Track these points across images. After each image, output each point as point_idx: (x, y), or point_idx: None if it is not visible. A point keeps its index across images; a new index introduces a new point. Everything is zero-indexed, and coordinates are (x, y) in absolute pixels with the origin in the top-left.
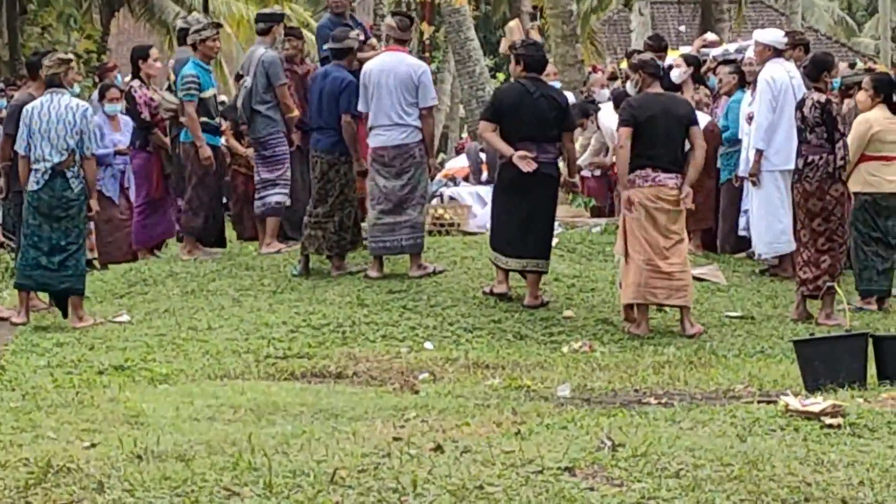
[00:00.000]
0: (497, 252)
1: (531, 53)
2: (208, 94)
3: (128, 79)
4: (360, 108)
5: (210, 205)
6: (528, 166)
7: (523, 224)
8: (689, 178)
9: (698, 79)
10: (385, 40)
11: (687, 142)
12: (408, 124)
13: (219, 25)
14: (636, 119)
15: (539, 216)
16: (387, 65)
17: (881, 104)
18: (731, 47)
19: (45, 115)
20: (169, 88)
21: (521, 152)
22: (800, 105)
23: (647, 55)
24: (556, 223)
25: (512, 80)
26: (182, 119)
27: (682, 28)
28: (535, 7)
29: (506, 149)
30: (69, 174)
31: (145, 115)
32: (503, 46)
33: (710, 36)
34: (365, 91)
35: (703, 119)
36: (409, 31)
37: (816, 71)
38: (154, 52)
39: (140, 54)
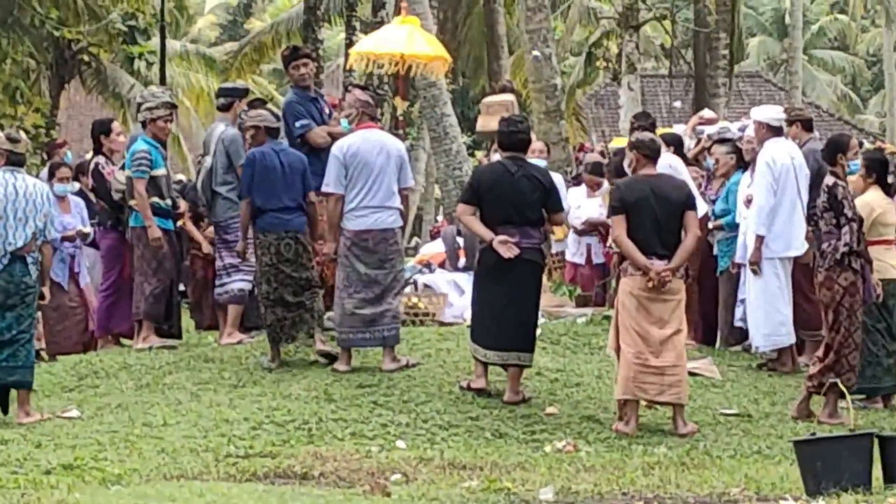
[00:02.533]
0: (476, 344)
1: (511, 130)
2: (159, 172)
3: (88, 156)
4: (333, 188)
5: (168, 291)
6: (509, 252)
7: (505, 314)
8: (674, 260)
9: (686, 158)
10: (359, 117)
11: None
12: (394, 207)
13: (174, 106)
14: (625, 203)
15: (522, 305)
16: (373, 143)
17: (874, 185)
18: (734, 126)
19: (12, 194)
20: (123, 167)
21: (502, 237)
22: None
23: (647, 135)
24: (540, 313)
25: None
26: (131, 201)
27: (677, 104)
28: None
29: (486, 233)
30: (29, 259)
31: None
32: (480, 124)
33: (707, 113)
34: (343, 170)
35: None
36: (375, 107)
37: (831, 153)
38: (116, 125)
39: (102, 129)
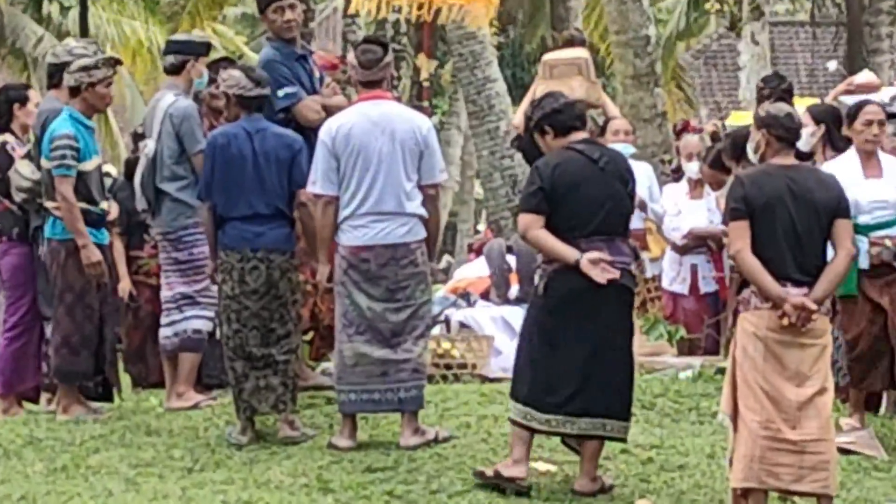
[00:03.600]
0: (530, 407)
1: (558, 109)
2: (90, 165)
3: None
4: (320, 187)
5: (93, 337)
6: (604, 275)
7: (589, 363)
8: (817, 290)
9: (835, 142)
10: (354, 85)
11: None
12: (409, 213)
13: (118, 63)
14: (750, 205)
15: (613, 351)
16: (374, 121)
17: None
18: (878, 96)
19: None
20: (27, 156)
21: (594, 254)
22: None
23: (784, 108)
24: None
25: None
26: (48, 203)
27: (832, 65)
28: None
29: (570, 253)
30: None
31: None
32: (540, 90)
33: (862, 77)
34: (334, 162)
35: None
36: (380, 68)
37: None
38: (34, 94)
39: (16, 97)
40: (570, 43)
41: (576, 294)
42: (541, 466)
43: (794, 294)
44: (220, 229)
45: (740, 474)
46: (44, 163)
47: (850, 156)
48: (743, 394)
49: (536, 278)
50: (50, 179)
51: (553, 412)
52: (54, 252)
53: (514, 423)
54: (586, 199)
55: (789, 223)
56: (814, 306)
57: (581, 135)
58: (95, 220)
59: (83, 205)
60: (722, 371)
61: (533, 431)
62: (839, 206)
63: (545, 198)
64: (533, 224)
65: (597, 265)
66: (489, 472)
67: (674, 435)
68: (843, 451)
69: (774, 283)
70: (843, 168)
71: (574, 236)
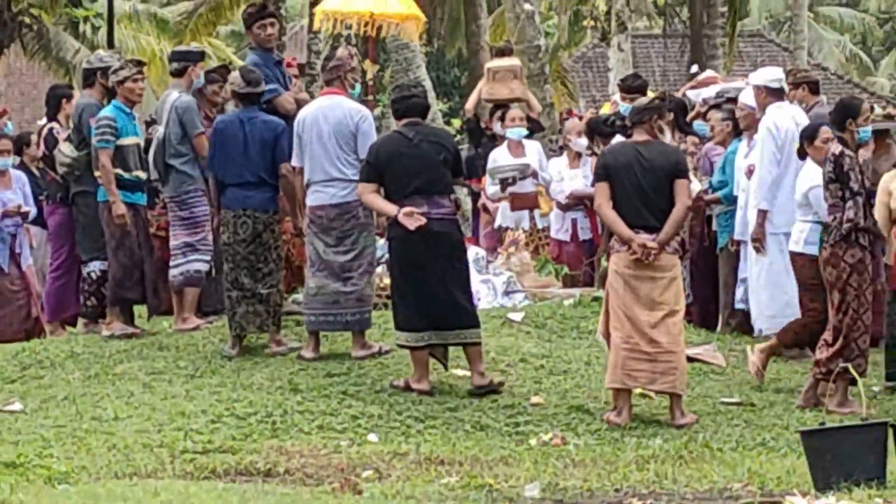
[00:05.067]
0: (406, 332)
1: (405, 96)
2: (128, 141)
3: (41, 122)
4: (295, 161)
5: (133, 272)
6: (415, 222)
7: (436, 290)
8: (663, 232)
9: (682, 126)
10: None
11: None
12: (348, 179)
13: (142, 63)
14: (608, 170)
15: (448, 280)
16: (321, 111)
17: None
18: (711, 90)
19: None
20: (68, 139)
21: (407, 209)
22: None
23: (642, 101)
24: (523, 294)
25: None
26: (97, 173)
27: (694, 68)
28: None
29: (389, 208)
30: None
31: None
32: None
33: (703, 76)
34: (299, 141)
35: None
36: (336, 70)
37: (840, 118)
38: (76, 93)
39: (64, 93)
40: (503, 53)
41: (407, 239)
42: (458, 372)
43: (644, 237)
44: (221, 193)
45: (609, 378)
46: (92, 140)
47: (811, 164)
48: (611, 317)
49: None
50: (95, 153)
51: (423, 331)
52: (102, 211)
53: (400, 346)
54: (402, 168)
55: (637, 183)
56: (656, 246)
57: (408, 119)
58: (130, 185)
59: (118, 171)
60: (597, 299)
61: (414, 349)
62: (676, 169)
63: (373, 170)
64: (365, 190)
65: (409, 216)
66: (401, 383)
67: (559, 348)
68: (692, 361)
69: (626, 228)
70: (811, 172)
71: (397, 197)
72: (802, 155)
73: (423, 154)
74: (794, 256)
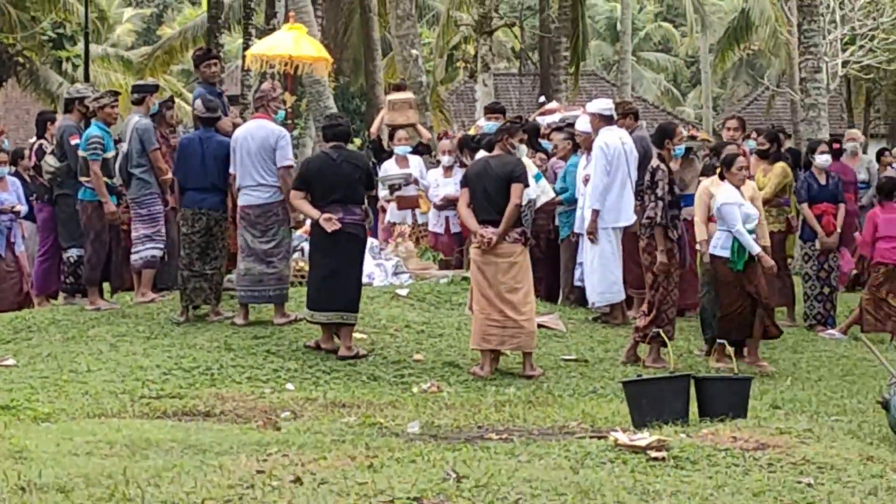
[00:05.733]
0: (310, 309)
1: (333, 124)
2: (108, 155)
3: (32, 140)
4: (231, 169)
5: (106, 256)
6: (331, 226)
7: (332, 280)
8: (500, 228)
9: (534, 144)
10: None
11: None
12: (269, 185)
13: (117, 94)
14: (466, 178)
15: (346, 272)
16: (250, 131)
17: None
18: (556, 117)
19: None
20: (52, 153)
21: (326, 214)
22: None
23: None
24: (408, 275)
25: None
26: (82, 178)
27: (542, 98)
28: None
29: (313, 212)
30: None
31: None
32: (387, 118)
33: (549, 105)
34: (234, 154)
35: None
36: (264, 100)
37: (660, 139)
38: (58, 116)
39: (50, 117)
40: (399, 88)
41: (323, 237)
42: (357, 335)
43: (487, 231)
44: (182, 195)
45: (473, 341)
46: (81, 153)
47: (729, 187)
48: (473, 293)
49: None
50: (85, 163)
51: (319, 310)
52: (84, 208)
53: (307, 321)
54: (326, 181)
55: (484, 188)
56: (494, 237)
57: (334, 143)
58: (108, 189)
59: (105, 179)
60: (465, 279)
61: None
62: (512, 176)
63: (303, 181)
64: (296, 196)
65: (328, 221)
66: (312, 343)
67: (436, 316)
68: (540, 326)
69: (475, 223)
70: (728, 193)
71: (320, 203)
72: (721, 177)
73: (343, 172)
74: (712, 258)
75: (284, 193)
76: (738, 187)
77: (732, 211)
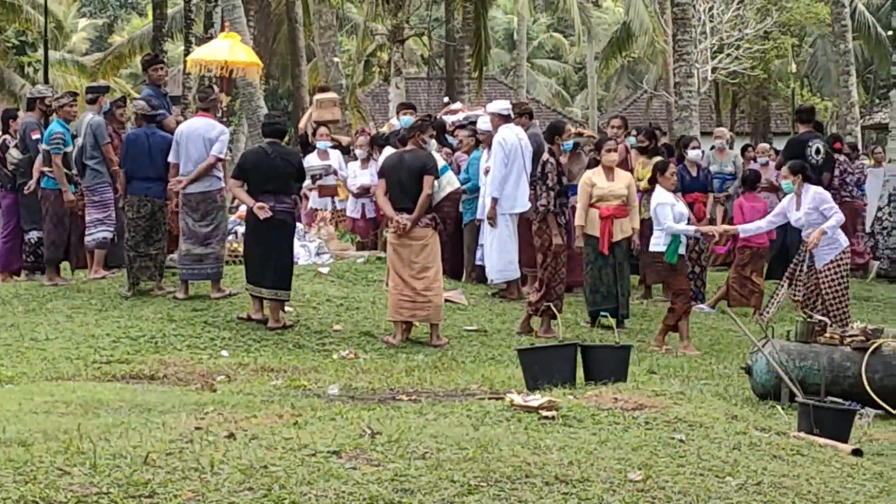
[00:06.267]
0: (250, 284)
1: (270, 122)
2: (69, 149)
3: None
4: (172, 158)
5: (64, 240)
6: (264, 214)
7: (266, 261)
8: (413, 215)
9: (442, 139)
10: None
11: None
12: (209, 175)
13: (75, 94)
14: (382, 170)
15: (278, 254)
16: (193, 126)
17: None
18: (460, 116)
19: None
20: (16, 146)
21: (260, 203)
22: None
23: (410, 120)
24: (329, 255)
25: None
26: (45, 168)
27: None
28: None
29: (248, 200)
30: None
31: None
32: (316, 115)
33: (453, 106)
34: (177, 146)
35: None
36: (209, 101)
37: (551, 135)
38: (21, 114)
39: (13, 115)
40: (325, 89)
41: (257, 222)
42: (287, 308)
43: (402, 217)
44: (129, 183)
45: (388, 313)
46: (44, 147)
47: (662, 190)
48: (389, 272)
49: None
50: (48, 156)
51: (256, 286)
52: (46, 196)
53: (251, 294)
54: (261, 174)
55: (399, 179)
56: (407, 223)
57: (270, 139)
58: (67, 179)
59: (66, 171)
60: (380, 258)
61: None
62: (424, 169)
63: (241, 172)
64: (234, 185)
65: (261, 209)
66: (244, 315)
67: (353, 292)
68: (446, 301)
69: (392, 210)
70: (662, 195)
71: (255, 193)
72: (653, 182)
73: (276, 166)
74: (654, 254)
75: (199, 174)
76: (671, 191)
77: (665, 210)
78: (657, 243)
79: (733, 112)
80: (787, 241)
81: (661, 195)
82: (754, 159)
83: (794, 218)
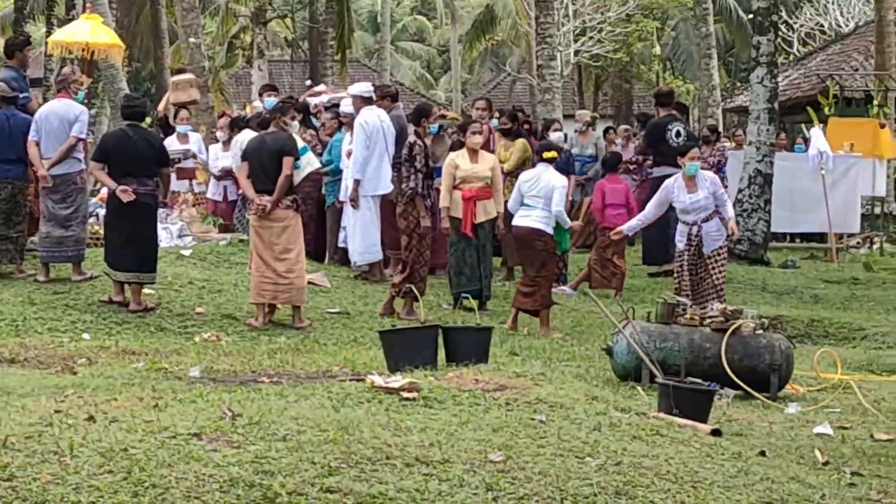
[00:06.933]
0: (110, 268)
1: (129, 104)
2: None
3: None
4: (33, 136)
5: None
6: (127, 197)
7: (128, 244)
8: (274, 195)
9: (306, 122)
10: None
11: None
12: (70, 157)
13: None
14: (245, 153)
15: (141, 237)
16: (53, 108)
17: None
18: (324, 98)
19: None
20: None
21: (122, 186)
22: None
23: (273, 101)
24: (191, 237)
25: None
26: None
27: (308, 82)
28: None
29: (110, 183)
30: None
31: None
32: (172, 97)
33: (319, 87)
34: (37, 127)
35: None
36: (65, 82)
37: (417, 118)
38: None
39: None
40: (182, 71)
41: (119, 205)
42: (146, 291)
43: (263, 199)
44: None
45: (251, 295)
46: None
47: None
48: (253, 255)
49: None
50: None
51: (119, 270)
52: None
53: (111, 278)
54: (121, 156)
55: (260, 161)
56: (268, 205)
57: (129, 122)
58: None
59: None
60: (242, 241)
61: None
62: (283, 150)
63: (102, 154)
64: (95, 167)
65: (124, 192)
66: (106, 298)
67: (216, 274)
68: (309, 283)
69: (252, 192)
70: (563, 180)
71: (117, 175)
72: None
73: (137, 148)
74: (536, 232)
75: (61, 156)
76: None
77: (563, 194)
78: (546, 223)
79: (596, 95)
80: (670, 228)
81: (559, 178)
82: (615, 141)
83: (689, 201)
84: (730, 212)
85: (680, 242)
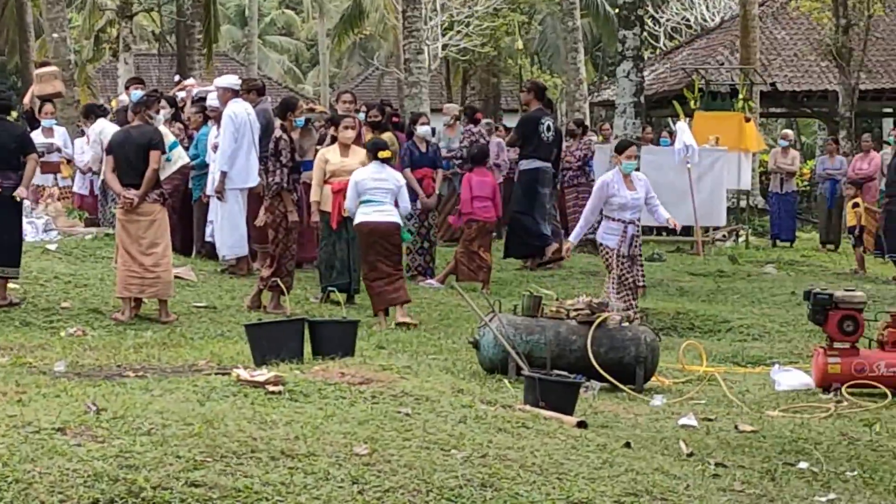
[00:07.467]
0: None
1: None
2: None
3: None
4: None
5: None
6: None
7: None
8: (141, 188)
9: (177, 117)
10: None
11: None
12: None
13: None
14: (111, 147)
15: (3, 231)
16: None
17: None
18: (193, 92)
19: None
20: None
21: None
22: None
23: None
24: (57, 232)
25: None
26: None
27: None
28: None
29: None
30: None
31: None
32: (37, 90)
33: (187, 81)
34: None
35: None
36: None
37: (283, 111)
38: None
39: None
40: (45, 64)
41: None
42: (11, 285)
43: (129, 192)
44: None
45: (117, 290)
46: None
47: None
48: (119, 250)
49: None
50: None
51: None
52: None
53: None
54: None
55: (126, 155)
56: (135, 198)
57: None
58: None
59: None
60: (108, 235)
61: None
62: (150, 144)
63: None
64: None
65: None
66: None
67: (82, 269)
68: (176, 277)
69: (119, 186)
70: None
71: None
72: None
73: (0, 141)
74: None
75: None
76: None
77: None
78: (399, 218)
79: (464, 88)
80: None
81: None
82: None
83: (631, 197)
84: (664, 212)
85: (610, 240)
